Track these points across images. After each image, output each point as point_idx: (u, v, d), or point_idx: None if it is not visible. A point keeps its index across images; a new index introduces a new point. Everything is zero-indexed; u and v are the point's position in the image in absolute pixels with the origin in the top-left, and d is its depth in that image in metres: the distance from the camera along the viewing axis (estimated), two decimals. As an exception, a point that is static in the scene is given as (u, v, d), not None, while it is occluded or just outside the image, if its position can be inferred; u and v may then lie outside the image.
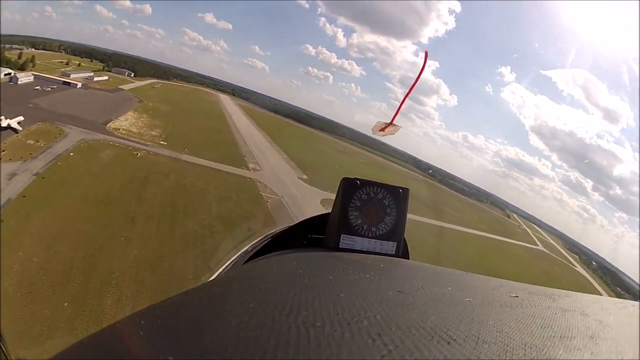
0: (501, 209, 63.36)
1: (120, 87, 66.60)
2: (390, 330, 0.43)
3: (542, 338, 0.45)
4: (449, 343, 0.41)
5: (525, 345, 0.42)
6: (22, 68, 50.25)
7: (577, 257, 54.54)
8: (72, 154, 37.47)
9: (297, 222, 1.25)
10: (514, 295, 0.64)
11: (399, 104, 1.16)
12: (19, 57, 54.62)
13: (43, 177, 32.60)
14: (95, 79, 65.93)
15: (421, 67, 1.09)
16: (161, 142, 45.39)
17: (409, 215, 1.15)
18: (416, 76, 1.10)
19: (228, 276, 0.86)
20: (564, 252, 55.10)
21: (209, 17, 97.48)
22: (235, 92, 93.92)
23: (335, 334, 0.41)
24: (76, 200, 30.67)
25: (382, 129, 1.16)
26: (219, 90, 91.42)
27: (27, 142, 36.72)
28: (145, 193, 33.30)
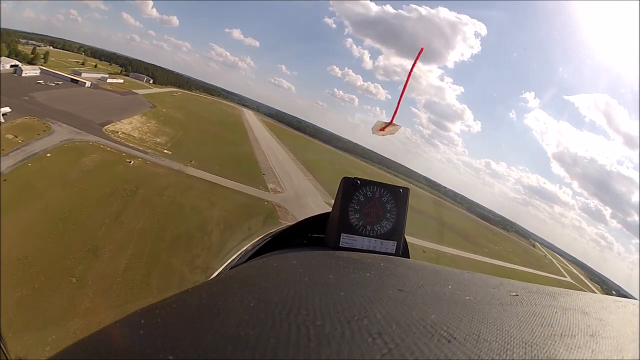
0: (526, 238, 62.22)
1: (134, 91, 61.63)
2: (391, 329, 0.42)
3: (542, 336, 0.45)
4: (449, 341, 0.41)
5: (525, 344, 0.42)
6: (31, 62, 48.52)
7: (598, 286, 53.36)
8: (49, 154, 29.58)
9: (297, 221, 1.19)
10: (514, 293, 0.64)
11: (397, 103, 1.14)
12: (32, 52, 52.75)
13: (5, 180, 24.62)
14: (109, 80, 61.86)
15: (413, 61, 1.09)
16: (165, 151, 37.20)
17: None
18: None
19: (228, 275, 0.83)
20: (587, 283, 53.47)
21: (236, 33, 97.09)
22: (260, 109, 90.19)
23: (335, 332, 0.41)
24: (32, 214, 22.02)
25: (382, 129, 1.15)
26: (243, 105, 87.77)
27: (5, 136, 30.01)
28: (126, 213, 24.45)
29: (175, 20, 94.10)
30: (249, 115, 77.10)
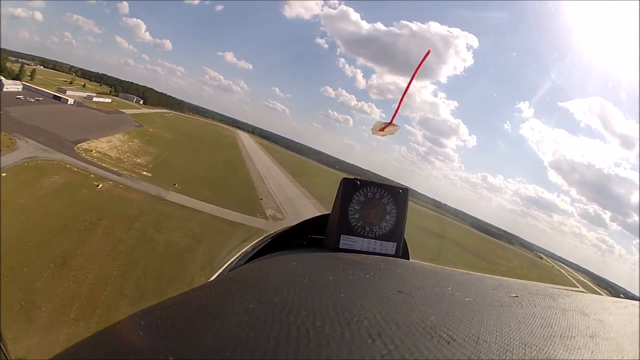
0: (530, 250, 61.85)
1: (121, 110, 57.68)
2: (390, 330, 0.42)
3: (542, 337, 0.45)
4: (449, 343, 0.41)
5: (525, 345, 0.42)
6: (17, 78, 47.60)
7: (606, 292, 51.70)
8: (4, 174, 24.37)
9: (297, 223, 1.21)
10: (513, 295, 0.64)
11: (398, 103, 1.16)
12: (20, 69, 51.78)
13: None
14: (95, 99, 58.77)
15: (420, 62, 1.10)
16: (144, 173, 31.77)
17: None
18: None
19: (228, 276, 0.84)
20: (597, 289, 52.52)
21: (229, 56, 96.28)
22: (255, 131, 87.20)
23: (335, 333, 0.41)
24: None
25: (382, 129, 1.15)
26: (238, 128, 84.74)
27: (-39, 150, 26.36)
28: (78, 254, 18.68)
29: (168, 44, 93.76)
30: (244, 137, 73.55)
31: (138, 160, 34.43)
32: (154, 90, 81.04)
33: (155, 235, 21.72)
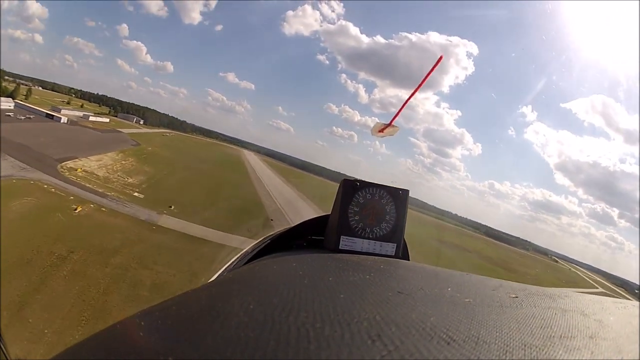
0: (544, 254, 61.74)
1: (119, 129, 54.82)
2: (390, 331, 0.43)
3: (542, 338, 0.45)
4: (448, 344, 0.41)
5: (525, 346, 0.42)
6: (11, 96, 46.37)
7: (622, 289, 52.83)
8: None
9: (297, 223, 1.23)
10: (513, 295, 0.65)
11: (402, 105, 1.17)
12: (15, 88, 51.29)
13: None
14: (92, 118, 56.39)
15: (432, 67, 1.11)
16: (135, 194, 27.33)
17: None
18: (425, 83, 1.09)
19: (228, 277, 0.84)
20: (615, 288, 52.24)
21: (231, 77, 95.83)
22: (261, 150, 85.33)
23: (335, 334, 0.41)
24: None
25: (382, 130, 1.16)
26: (243, 147, 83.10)
27: None
28: (37, 299, 13.94)
29: (170, 66, 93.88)
30: (249, 155, 70.33)
31: (130, 180, 30.11)
32: (155, 111, 79.92)
33: (140, 274, 16.92)
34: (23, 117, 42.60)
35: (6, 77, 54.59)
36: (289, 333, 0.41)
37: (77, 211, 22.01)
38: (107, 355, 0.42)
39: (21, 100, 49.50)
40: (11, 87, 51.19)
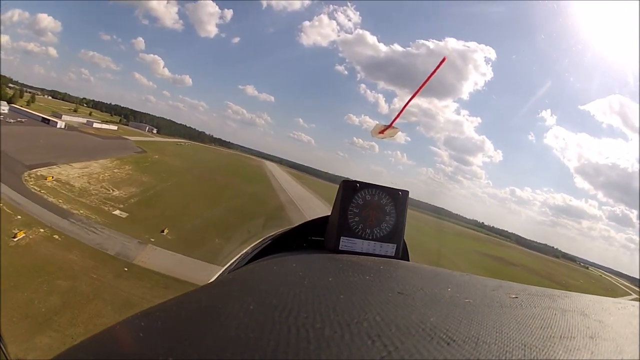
0: (573, 261, 61.94)
1: (125, 137, 49.04)
2: (390, 332, 0.43)
3: (542, 338, 0.45)
4: (448, 344, 0.41)
5: (525, 346, 0.43)
6: (10, 101, 44.45)
7: None
8: None
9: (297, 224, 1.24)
10: (513, 296, 0.65)
11: (402, 106, 1.16)
12: (14, 93, 50.50)
13: None
14: (97, 125, 51.77)
15: (434, 69, 1.10)
16: (115, 212, 19.20)
17: None
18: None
19: (228, 278, 0.82)
20: None
21: (250, 90, 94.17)
22: (283, 162, 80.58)
23: (335, 335, 0.41)
24: None
25: (382, 131, 1.16)
26: (264, 158, 78.01)
27: None
28: None
29: (188, 80, 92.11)
30: (272, 166, 64.27)
31: (115, 193, 22.32)
32: (172, 121, 76.22)
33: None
34: (13, 121, 37.90)
35: (12, 85, 52.98)
36: (289, 334, 0.41)
37: (15, 239, 14.11)
38: (107, 355, 0.42)
39: (22, 106, 46.21)
40: (11, 92, 49.57)
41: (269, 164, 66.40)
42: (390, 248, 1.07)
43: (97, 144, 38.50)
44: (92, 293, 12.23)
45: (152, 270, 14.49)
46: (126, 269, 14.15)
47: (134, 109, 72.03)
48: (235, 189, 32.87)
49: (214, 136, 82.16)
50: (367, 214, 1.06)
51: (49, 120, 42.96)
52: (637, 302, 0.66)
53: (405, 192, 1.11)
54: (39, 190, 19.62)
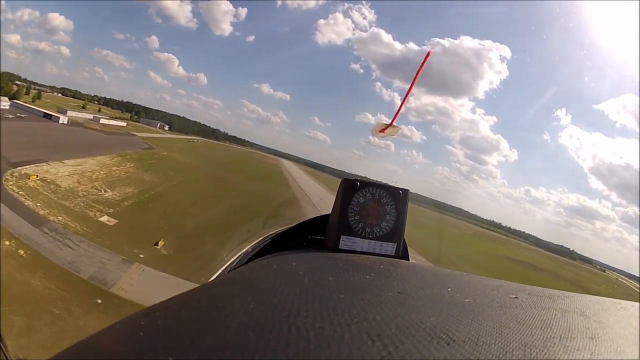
0: (589, 263, 61.55)
1: (133, 133, 46.33)
2: (390, 331, 0.43)
3: (541, 339, 0.45)
4: (448, 344, 0.41)
5: (524, 346, 0.43)
6: (13, 97, 43.03)
7: None
8: None
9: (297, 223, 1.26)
10: (513, 296, 0.65)
11: (400, 105, 1.20)
12: (18, 89, 48.03)
13: None
14: (103, 121, 48.71)
15: (420, 65, 1.15)
16: (102, 219, 15.69)
17: None
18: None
19: (228, 277, 0.82)
20: None
21: (266, 88, 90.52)
22: (300, 161, 79.33)
23: (335, 334, 0.41)
24: None
25: (382, 130, 1.16)
26: (280, 156, 76.55)
27: None
28: None
29: (203, 78, 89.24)
30: (289, 165, 61.73)
31: (108, 194, 19.01)
32: (185, 118, 74.47)
33: None
34: (11, 116, 35.79)
35: (18, 83, 51.02)
36: (289, 333, 0.41)
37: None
38: (107, 355, 0.42)
39: (27, 103, 44.01)
40: (15, 89, 47.40)
41: (286, 163, 63.39)
42: (390, 247, 1.06)
43: (101, 139, 35.64)
44: (50, 339, 8.66)
45: (133, 303, 10.83)
46: (99, 301, 10.64)
47: (146, 106, 70.15)
48: (251, 190, 29.26)
49: (229, 134, 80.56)
50: (367, 212, 1.05)
51: (51, 115, 40.54)
52: (637, 303, 0.66)
53: (406, 191, 1.09)
54: (17, 192, 16.39)
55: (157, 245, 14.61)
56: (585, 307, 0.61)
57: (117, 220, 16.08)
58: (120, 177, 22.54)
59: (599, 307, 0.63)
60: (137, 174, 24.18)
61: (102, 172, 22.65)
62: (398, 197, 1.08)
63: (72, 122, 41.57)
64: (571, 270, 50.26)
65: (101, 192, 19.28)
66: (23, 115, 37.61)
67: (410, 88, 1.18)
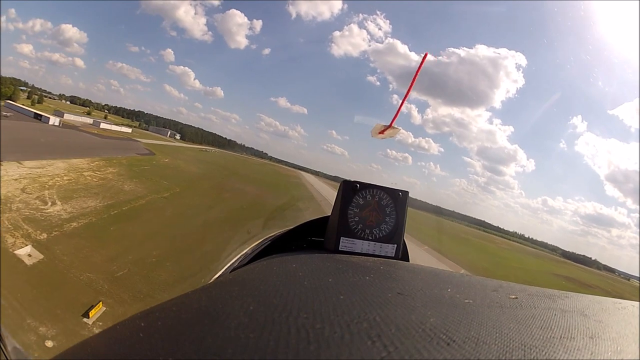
0: (612, 272, 61.13)
1: (137, 139, 42.29)
2: (390, 332, 0.43)
3: (541, 339, 0.45)
4: (448, 344, 0.41)
5: (525, 346, 0.42)
6: (10, 98, 43.19)
7: None
8: None
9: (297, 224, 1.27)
10: (513, 296, 0.65)
11: (399, 106, 1.18)
12: (15, 91, 47.73)
13: None
14: (104, 126, 45.54)
15: (418, 67, 1.15)
16: (20, 251, 8.93)
17: None
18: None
19: (228, 278, 0.82)
20: None
21: (282, 102, 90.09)
22: (320, 173, 75.11)
23: (335, 335, 0.41)
24: None
25: (382, 132, 1.17)
26: (300, 169, 72.75)
27: None
28: None
29: (219, 92, 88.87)
30: (309, 178, 56.96)
31: (53, 209, 12.53)
32: (200, 129, 71.25)
33: None
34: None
35: (23, 88, 50.55)
36: (289, 334, 0.41)
37: None
38: (107, 355, 0.42)
39: (28, 106, 42.75)
40: (11, 90, 46.79)
41: (306, 175, 57.98)
42: (390, 249, 1.07)
43: (92, 142, 30.19)
44: None
45: None
46: None
47: (158, 115, 68.31)
48: (267, 209, 22.51)
49: (246, 145, 78.29)
50: (367, 214, 1.06)
51: (41, 116, 37.22)
52: (637, 302, 0.65)
53: (405, 193, 1.10)
54: None
55: (89, 315, 7.82)
56: (585, 307, 0.60)
57: (42, 256, 9.54)
58: (88, 186, 16.32)
59: (599, 306, 0.63)
60: (115, 182, 17.98)
61: (64, 179, 16.49)
62: (398, 198, 1.08)
63: (65, 124, 37.95)
64: (606, 282, 48.61)
65: (46, 205, 12.97)
66: (8, 114, 33.91)
67: (410, 89, 1.16)
